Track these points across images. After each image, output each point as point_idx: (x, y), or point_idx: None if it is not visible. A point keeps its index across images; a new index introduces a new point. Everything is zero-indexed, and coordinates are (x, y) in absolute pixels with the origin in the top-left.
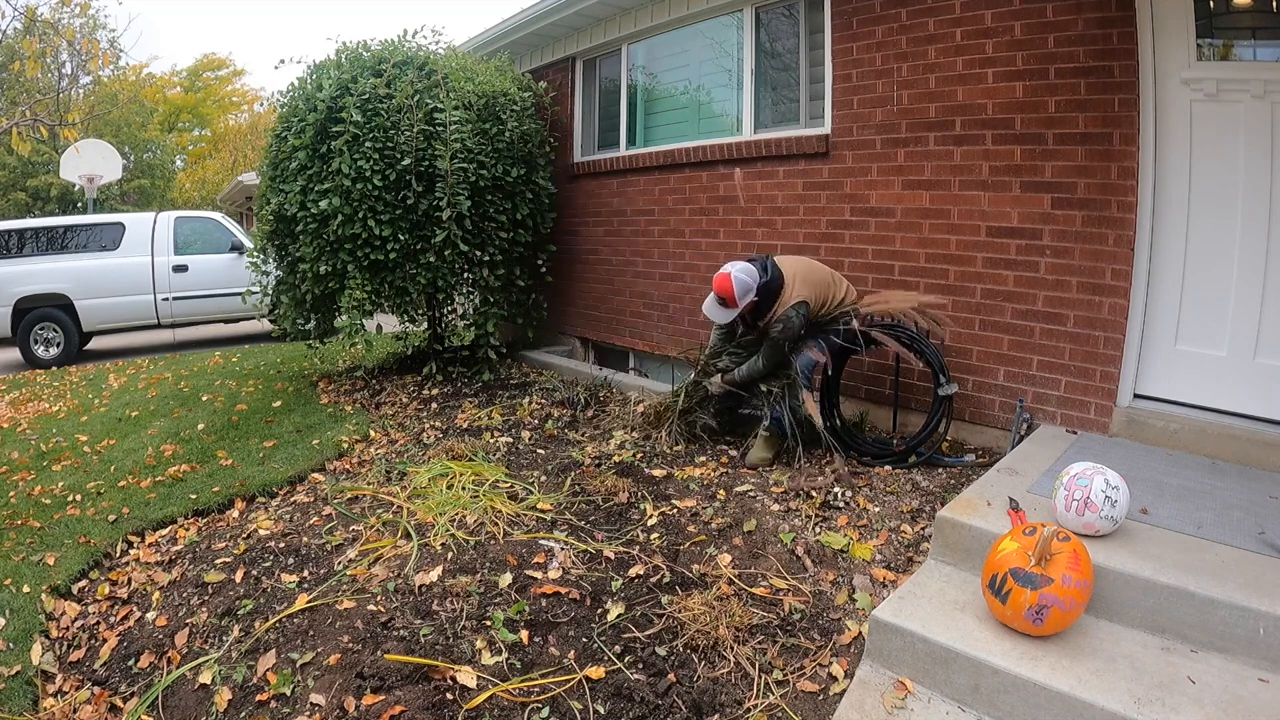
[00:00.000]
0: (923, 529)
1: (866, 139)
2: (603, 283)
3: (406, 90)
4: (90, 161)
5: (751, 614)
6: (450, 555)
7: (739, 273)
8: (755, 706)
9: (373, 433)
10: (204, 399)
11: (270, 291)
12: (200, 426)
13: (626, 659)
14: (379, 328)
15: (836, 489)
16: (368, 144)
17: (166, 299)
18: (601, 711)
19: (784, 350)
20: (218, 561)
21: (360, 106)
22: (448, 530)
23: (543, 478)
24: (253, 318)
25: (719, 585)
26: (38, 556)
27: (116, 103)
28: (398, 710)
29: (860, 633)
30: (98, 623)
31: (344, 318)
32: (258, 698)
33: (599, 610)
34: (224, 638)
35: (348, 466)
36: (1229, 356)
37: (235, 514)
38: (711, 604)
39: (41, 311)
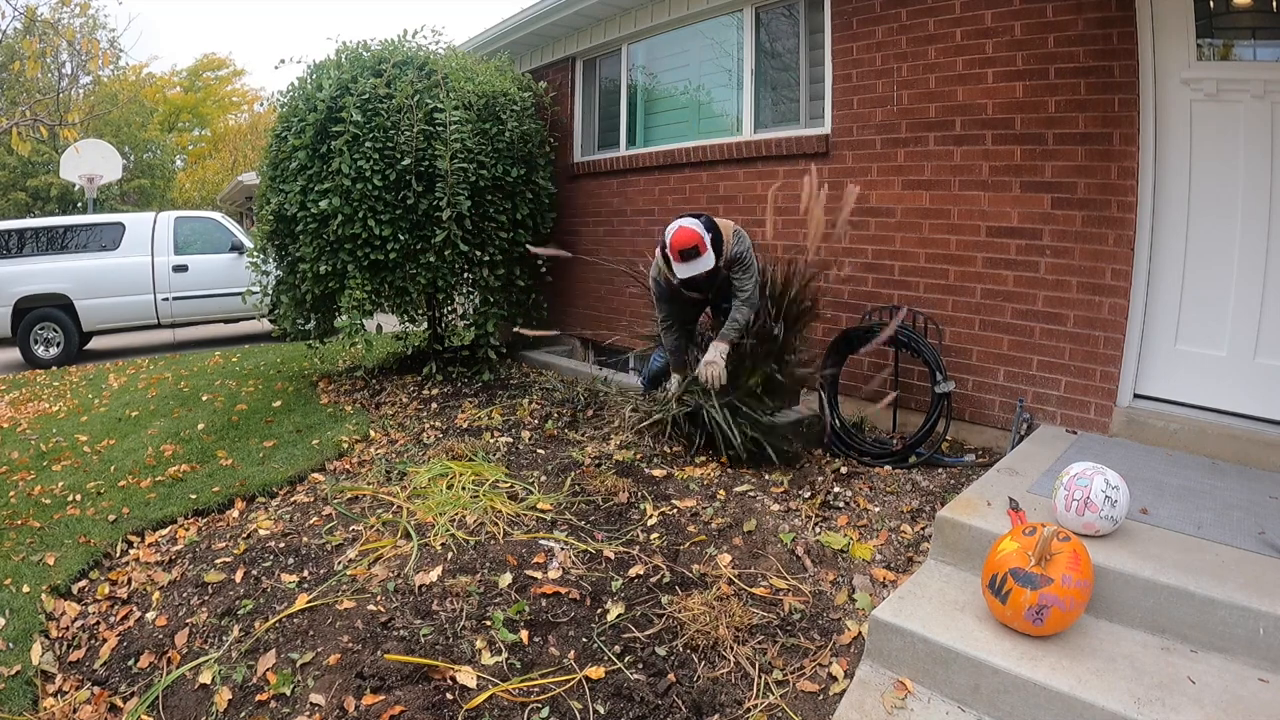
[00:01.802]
0: (923, 529)
1: (866, 139)
2: (603, 282)
3: (406, 90)
4: (90, 161)
5: (751, 614)
6: (450, 555)
7: (688, 222)
8: (755, 706)
9: (373, 433)
10: (204, 399)
11: (270, 291)
12: (200, 426)
13: (626, 659)
14: (379, 328)
15: (836, 488)
16: (368, 144)
17: (166, 299)
18: (601, 711)
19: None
20: (218, 561)
21: (360, 106)
22: (448, 530)
23: (543, 478)
24: (253, 318)
25: (719, 585)
26: (38, 556)
27: (116, 103)
28: (398, 710)
29: (860, 633)
30: (98, 623)
31: (344, 318)
32: (258, 698)
33: (599, 610)
34: (224, 638)
35: (348, 466)
36: (1229, 356)
37: (235, 514)
38: (711, 604)
39: (41, 311)
